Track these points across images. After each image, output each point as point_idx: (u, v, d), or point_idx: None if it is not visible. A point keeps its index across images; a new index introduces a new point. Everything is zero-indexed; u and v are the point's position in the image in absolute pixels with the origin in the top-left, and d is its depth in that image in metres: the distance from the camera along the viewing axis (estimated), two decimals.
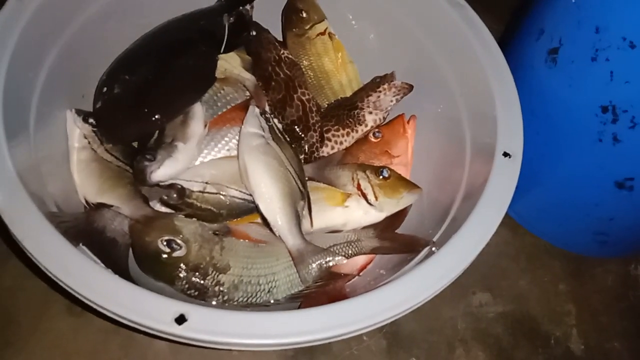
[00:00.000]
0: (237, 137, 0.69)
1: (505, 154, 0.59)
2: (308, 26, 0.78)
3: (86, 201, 0.62)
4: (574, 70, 0.66)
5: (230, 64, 0.74)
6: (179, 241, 0.60)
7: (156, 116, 0.65)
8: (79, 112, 0.65)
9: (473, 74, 0.67)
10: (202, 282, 0.60)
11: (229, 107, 0.72)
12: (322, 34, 0.78)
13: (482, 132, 0.64)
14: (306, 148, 0.73)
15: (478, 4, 0.71)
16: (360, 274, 0.67)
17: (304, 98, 0.74)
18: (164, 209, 0.64)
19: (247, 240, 0.65)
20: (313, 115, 0.74)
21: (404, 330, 0.75)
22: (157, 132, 0.66)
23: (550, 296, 0.83)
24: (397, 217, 0.68)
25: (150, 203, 0.63)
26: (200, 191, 0.64)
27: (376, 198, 0.66)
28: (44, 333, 0.69)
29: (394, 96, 0.76)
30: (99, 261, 0.52)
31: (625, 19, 0.58)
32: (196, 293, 0.60)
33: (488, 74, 0.65)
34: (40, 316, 0.70)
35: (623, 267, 0.88)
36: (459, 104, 0.69)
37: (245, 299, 0.61)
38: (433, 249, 0.56)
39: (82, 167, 0.64)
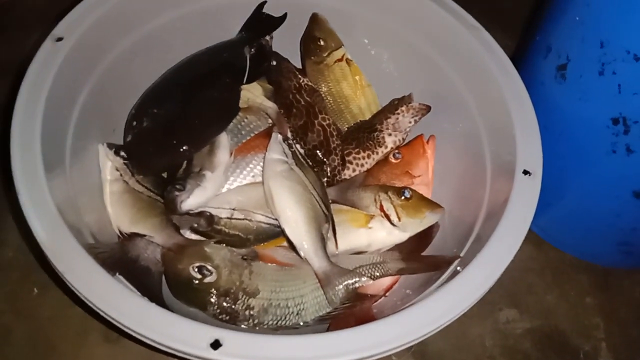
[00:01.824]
0: (261, 164, 0.71)
1: (526, 172, 0.59)
2: (326, 53, 0.80)
3: (120, 231, 0.64)
4: (582, 84, 0.67)
5: (253, 93, 0.76)
6: (209, 267, 0.62)
7: (184, 147, 0.67)
8: (110, 145, 0.68)
9: (490, 93, 0.68)
10: (233, 306, 0.62)
11: (252, 135, 0.75)
12: (340, 60, 0.80)
13: (502, 150, 0.65)
14: (328, 171, 0.75)
15: (492, 23, 0.72)
16: (387, 294, 0.68)
17: (324, 123, 0.76)
18: (194, 237, 0.66)
19: (274, 264, 0.67)
20: (334, 139, 0.76)
21: (433, 349, 0.76)
22: (185, 162, 0.69)
23: (577, 310, 0.83)
24: (423, 240, 0.69)
25: (181, 231, 0.65)
26: (228, 217, 0.66)
27: (399, 218, 0.67)
28: None
29: (412, 117, 0.78)
30: (134, 289, 0.54)
31: (627, 33, 0.59)
32: (227, 317, 0.62)
33: (505, 93, 0.66)
34: (80, 344, 0.72)
35: None
36: (477, 124, 0.70)
37: (275, 322, 0.62)
38: (458, 268, 0.57)
39: (115, 199, 0.66)
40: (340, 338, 0.47)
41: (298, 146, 0.74)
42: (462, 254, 0.60)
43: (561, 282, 0.85)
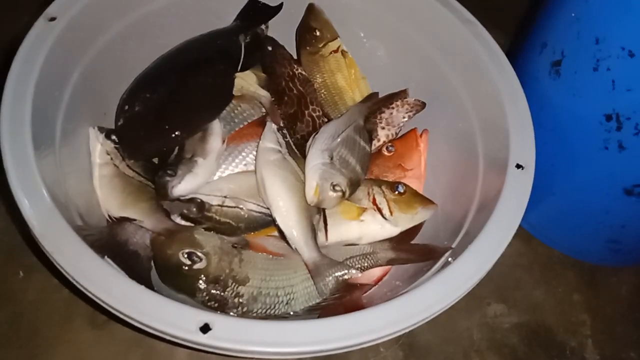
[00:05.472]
0: (254, 152, 0.71)
1: (518, 166, 0.60)
2: (321, 44, 0.79)
3: (109, 215, 0.64)
4: (577, 80, 0.67)
5: (247, 81, 0.76)
6: (199, 254, 0.61)
7: (176, 133, 0.66)
8: (101, 129, 0.67)
9: (484, 88, 0.68)
10: (222, 293, 0.61)
11: (245, 123, 0.74)
12: (335, 51, 0.80)
13: (495, 144, 0.65)
14: None
15: (487, 20, 0.73)
16: (377, 285, 0.68)
17: (314, 114, 0.75)
18: (184, 223, 0.65)
19: (265, 253, 0.67)
20: None
21: (420, 341, 0.76)
22: (177, 148, 0.68)
23: (564, 306, 0.83)
24: (413, 229, 0.69)
25: (172, 217, 0.64)
26: (219, 205, 0.66)
27: (391, 213, 0.67)
28: (68, 345, 0.70)
29: (406, 113, 0.78)
30: (123, 273, 0.53)
31: (623, 29, 0.59)
32: (216, 305, 0.61)
33: (499, 88, 0.66)
34: (64, 328, 0.71)
35: (637, 276, 0.88)
36: (471, 118, 0.70)
37: (264, 311, 0.62)
38: (449, 259, 0.57)
39: (104, 183, 0.65)
40: (330, 324, 0.47)
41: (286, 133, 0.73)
42: (453, 246, 0.60)
43: (549, 278, 0.86)
